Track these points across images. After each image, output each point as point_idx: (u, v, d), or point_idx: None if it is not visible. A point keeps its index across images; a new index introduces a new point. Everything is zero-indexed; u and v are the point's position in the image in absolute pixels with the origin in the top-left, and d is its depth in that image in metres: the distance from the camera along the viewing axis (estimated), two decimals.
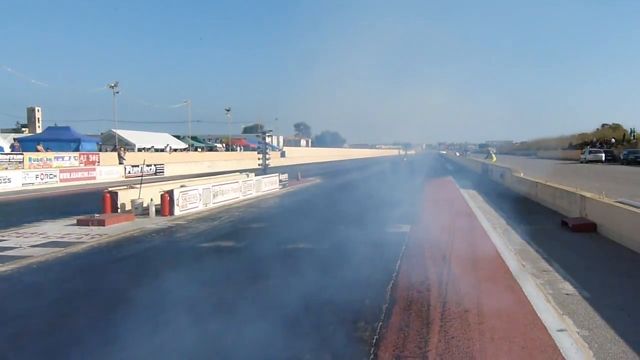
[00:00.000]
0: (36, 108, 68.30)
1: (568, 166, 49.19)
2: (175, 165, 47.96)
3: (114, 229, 14.41)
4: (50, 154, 36.39)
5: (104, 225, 14.69)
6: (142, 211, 17.05)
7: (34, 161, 34.10)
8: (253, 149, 58.52)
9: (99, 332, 6.48)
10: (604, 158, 60.30)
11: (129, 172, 39.82)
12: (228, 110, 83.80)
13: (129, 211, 16.87)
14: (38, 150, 36.50)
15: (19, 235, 13.54)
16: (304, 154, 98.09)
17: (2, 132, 60.17)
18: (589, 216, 14.07)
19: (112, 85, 53.29)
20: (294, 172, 36.68)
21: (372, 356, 5.52)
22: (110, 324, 6.78)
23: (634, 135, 71.63)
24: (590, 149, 66.50)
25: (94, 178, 36.56)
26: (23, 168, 32.39)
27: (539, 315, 6.86)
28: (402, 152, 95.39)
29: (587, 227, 13.48)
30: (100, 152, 43.82)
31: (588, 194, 14.81)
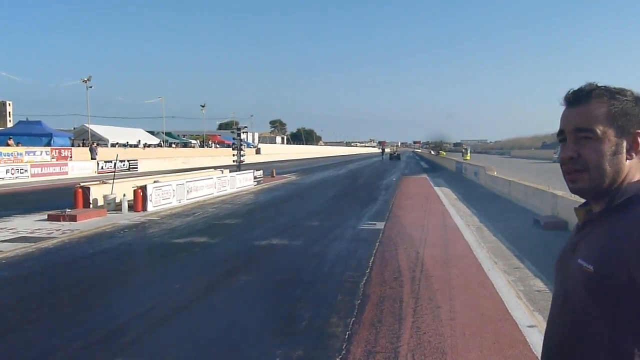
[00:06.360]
0: (7, 102, 66.90)
1: (540, 165, 49.83)
2: (149, 161, 47.41)
3: (86, 224, 14.19)
4: (21, 149, 35.70)
5: (75, 221, 14.45)
6: (114, 207, 16.81)
7: (5, 156, 33.39)
8: (228, 146, 58.18)
9: (66, 329, 6.36)
10: None
11: (102, 168, 39.25)
12: (203, 107, 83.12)
13: (102, 207, 16.62)
14: (8, 145, 35.78)
15: None
16: (279, 151, 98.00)
17: None
18: (560, 214, 14.26)
19: (85, 79, 52.35)
20: (269, 169, 36.57)
21: (344, 351, 5.51)
22: (79, 320, 6.68)
23: None
24: None
25: (66, 173, 35.96)
26: None
27: (510, 311, 6.92)
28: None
29: (559, 225, 13.64)
30: (72, 147, 43.09)
31: (559, 192, 15.00)
